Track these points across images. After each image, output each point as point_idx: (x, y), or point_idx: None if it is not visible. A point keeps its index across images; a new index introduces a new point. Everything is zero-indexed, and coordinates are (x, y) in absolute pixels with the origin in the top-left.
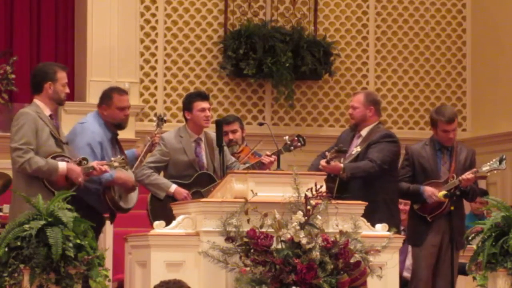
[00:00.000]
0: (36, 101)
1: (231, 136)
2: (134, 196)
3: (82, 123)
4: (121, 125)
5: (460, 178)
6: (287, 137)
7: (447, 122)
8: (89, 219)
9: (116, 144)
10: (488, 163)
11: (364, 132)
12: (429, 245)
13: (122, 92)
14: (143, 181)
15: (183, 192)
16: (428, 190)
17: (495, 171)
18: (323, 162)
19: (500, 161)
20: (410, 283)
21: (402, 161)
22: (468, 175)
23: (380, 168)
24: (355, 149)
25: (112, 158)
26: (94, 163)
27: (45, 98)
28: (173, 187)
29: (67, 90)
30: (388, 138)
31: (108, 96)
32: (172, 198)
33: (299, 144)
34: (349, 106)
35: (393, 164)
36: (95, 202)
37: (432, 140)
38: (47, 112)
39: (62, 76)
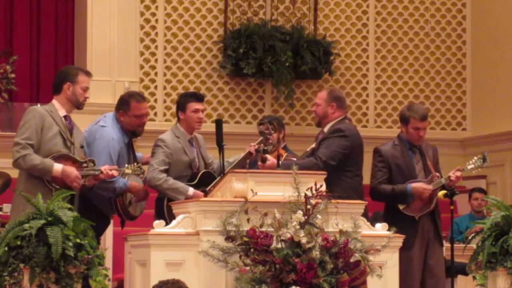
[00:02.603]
0: (54, 101)
1: None
2: (143, 204)
3: (103, 126)
4: (136, 133)
5: (448, 176)
6: (262, 127)
7: (420, 120)
8: (95, 218)
9: (130, 148)
10: (472, 161)
11: (326, 129)
12: (418, 245)
13: (141, 99)
14: (161, 186)
15: (200, 194)
16: (418, 186)
17: (479, 169)
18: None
19: (484, 159)
20: (403, 284)
21: (376, 163)
22: (456, 173)
23: (325, 165)
24: (311, 146)
25: (126, 165)
26: (102, 168)
27: (63, 98)
28: (191, 190)
29: (87, 95)
30: (337, 133)
31: (126, 102)
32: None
33: (273, 131)
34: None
35: (347, 159)
36: (101, 203)
37: (401, 140)
38: (61, 112)
39: (83, 79)
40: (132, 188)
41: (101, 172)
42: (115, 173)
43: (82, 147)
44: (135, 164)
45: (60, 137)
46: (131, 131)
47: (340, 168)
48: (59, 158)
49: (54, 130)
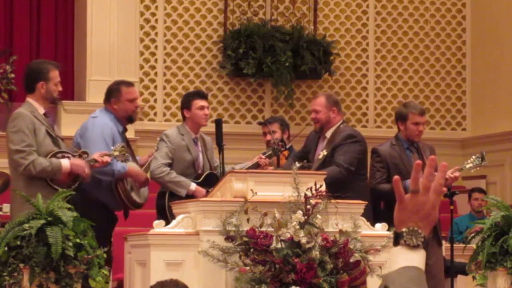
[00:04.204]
0: (30, 100)
1: (269, 137)
2: (145, 191)
3: (94, 117)
4: (132, 118)
5: (446, 176)
6: (274, 140)
7: (419, 114)
8: (101, 218)
9: (125, 140)
10: (470, 160)
11: (328, 134)
12: None
13: (129, 84)
14: (163, 178)
15: (203, 191)
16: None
17: (477, 168)
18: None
19: (482, 158)
20: None
21: (375, 163)
22: (455, 173)
23: (347, 171)
24: (322, 152)
25: (112, 147)
26: (95, 155)
27: (38, 97)
28: (194, 186)
29: (60, 88)
30: (351, 138)
31: (116, 89)
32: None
33: (283, 148)
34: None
35: (361, 164)
36: (107, 198)
37: (398, 139)
38: (41, 110)
39: (54, 75)
40: (131, 172)
41: (96, 161)
42: (108, 158)
43: (62, 139)
44: (118, 144)
45: (48, 137)
46: (127, 118)
47: (354, 172)
48: (56, 156)
49: (42, 131)
